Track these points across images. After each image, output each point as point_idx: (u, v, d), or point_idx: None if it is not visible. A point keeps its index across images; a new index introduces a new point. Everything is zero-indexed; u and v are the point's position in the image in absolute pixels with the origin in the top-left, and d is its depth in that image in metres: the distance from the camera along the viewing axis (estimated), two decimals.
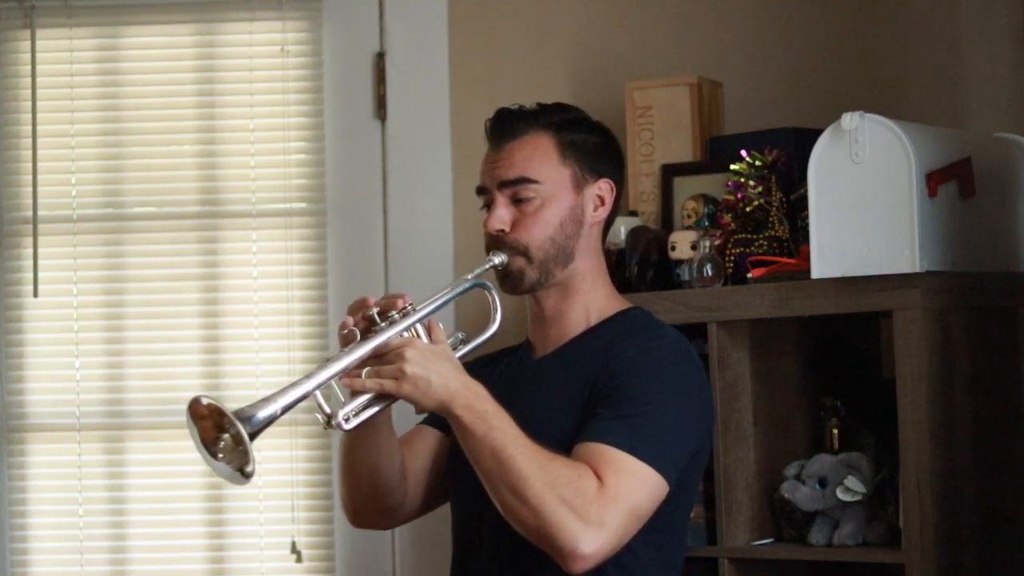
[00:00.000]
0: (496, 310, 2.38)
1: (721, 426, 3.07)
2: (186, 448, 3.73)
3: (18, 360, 3.80)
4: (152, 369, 3.79)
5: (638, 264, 3.21)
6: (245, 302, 3.77)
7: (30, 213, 3.76)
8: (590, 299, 2.45)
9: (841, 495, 3.01)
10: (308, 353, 3.73)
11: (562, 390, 2.37)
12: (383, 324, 2.24)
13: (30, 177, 3.76)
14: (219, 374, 3.77)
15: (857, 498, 3.01)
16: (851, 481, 3.01)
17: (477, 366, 2.47)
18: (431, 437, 2.50)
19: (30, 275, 3.75)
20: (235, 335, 3.77)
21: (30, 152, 3.77)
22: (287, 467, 3.69)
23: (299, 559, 3.67)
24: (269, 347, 3.74)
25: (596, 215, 2.44)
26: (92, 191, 3.81)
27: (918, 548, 2.84)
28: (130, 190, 3.81)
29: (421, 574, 3.67)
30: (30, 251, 3.75)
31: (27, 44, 3.78)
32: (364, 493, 2.44)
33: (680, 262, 3.18)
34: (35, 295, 3.75)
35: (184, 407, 3.65)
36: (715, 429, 3.06)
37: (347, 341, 2.25)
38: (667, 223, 3.32)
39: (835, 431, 3.15)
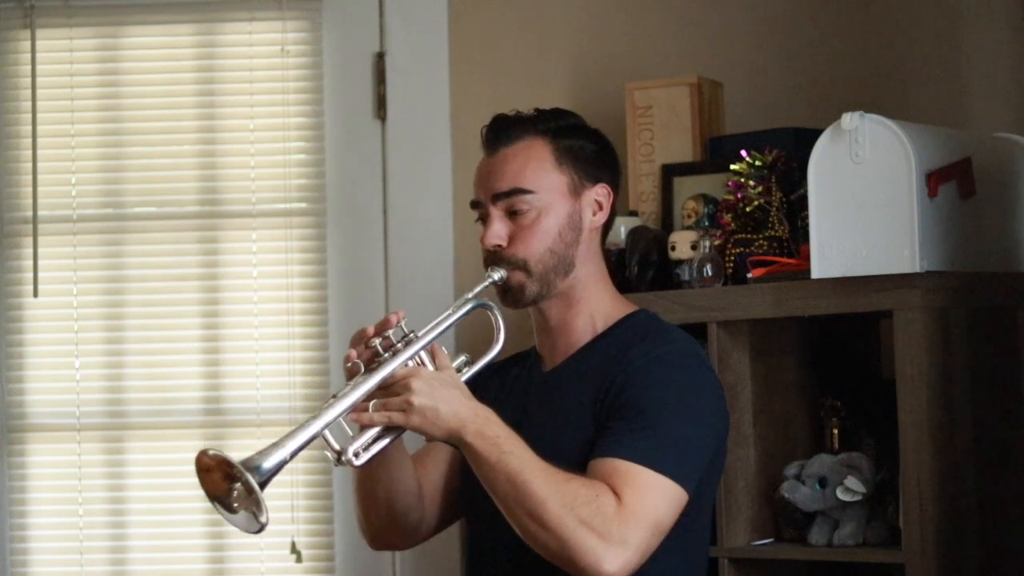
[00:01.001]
0: (499, 330, 2.35)
1: None
2: (186, 448, 3.75)
3: (18, 360, 3.80)
4: (152, 369, 3.79)
5: (638, 264, 3.21)
6: (245, 302, 3.77)
7: (30, 213, 3.76)
8: (594, 305, 2.41)
9: (841, 495, 3.01)
10: (308, 353, 3.73)
11: (573, 403, 2.33)
12: (387, 355, 2.22)
13: (30, 177, 3.77)
14: (219, 374, 3.77)
15: (857, 498, 3.01)
16: (851, 481, 3.01)
17: (486, 375, 2.45)
18: (444, 452, 2.46)
19: (30, 275, 3.75)
20: (235, 335, 3.77)
21: (30, 152, 3.77)
22: (287, 467, 3.68)
23: (299, 559, 3.67)
24: (269, 347, 3.74)
25: (595, 220, 2.40)
26: (92, 191, 3.81)
27: (918, 548, 2.84)
28: (130, 190, 3.81)
29: (421, 574, 3.67)
30: (30, 251, 3.75)
31: (27, 44, 3.78)
32: (382, 518, 2.41)
33: (680, 262, 3.18)
34: (35, 295, 3.75)
35: (183, 407, 3.64)
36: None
37: (352, 374, 2.23)
38: (667, 223, 3.32)
39: (835, 431, 3.15)
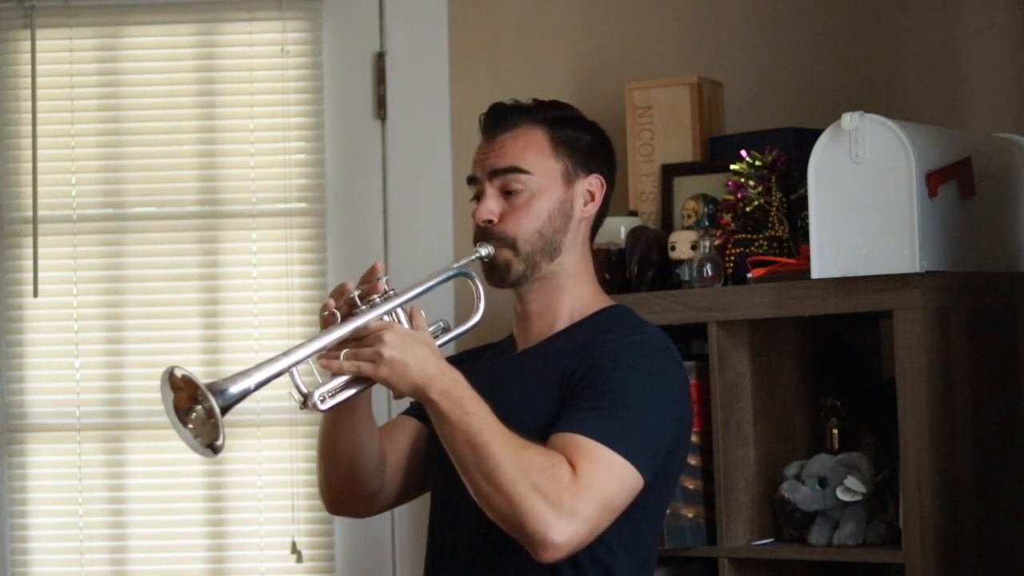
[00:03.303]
0: (479, 299, 2.38)
1: (721, 426, 3.07)
2: (186, 448, 3.75)
3: (18, 360, 3.80)
4: (152, 369, 3.77)
5: (638, 264, 3.21)
6: (245, 302, 3.77)
7: (30, 213, 3.76)
8: (574, 295, 2.45)
9: (841, 495, 3.01)
10: None
11: (540, 383, 2.37)
12: (364, 307, 2.26)
13: (30, 177, 3.77)
14: (219, 374, 3.74)
15: (857, 498, 3.01)
16: (851, 481, 3.01)
17: (460, 359, 2.47)
18: (412, 426, 2.51)
19: (30, 275, 3.75)
20: (235, 335, 3.77)
21: (30, 152, 3.77)
22: (287, 467, 3.69)
23: (299, 559, 3.67)
24: (269, 347, 3.73)
25: (586, 210, 2.45)
26: (92, 191, 3.81)
27: (918, 548, 2.84)
28: (130, 190, 3.82)
29: (421, 574, 3.67)
30: (30, 251, 3.75)
31: (27, 44, 3.78)
32: (342, 478, 2.44)
33: (680, 262, 3.18)
34: (35, 295, 3.75)
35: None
36: (715, 429, 3.06)
37: (327, 323, 2.27)
38: (667, 223, 3.32)
39: (835, 431, 3.15)
